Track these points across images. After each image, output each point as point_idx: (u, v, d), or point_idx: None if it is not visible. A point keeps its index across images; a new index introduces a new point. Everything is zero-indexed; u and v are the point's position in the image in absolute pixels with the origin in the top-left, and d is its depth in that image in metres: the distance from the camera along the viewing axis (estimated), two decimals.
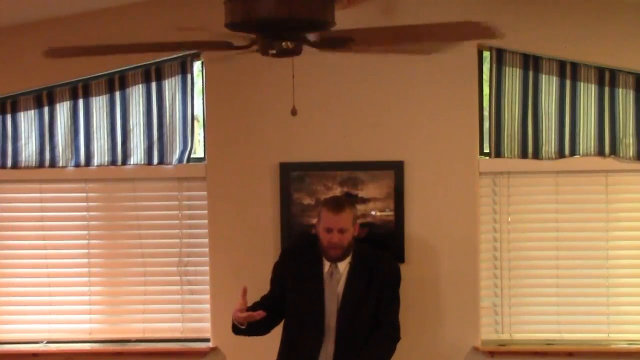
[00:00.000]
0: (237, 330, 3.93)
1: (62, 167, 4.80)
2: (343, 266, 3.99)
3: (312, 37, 3.12)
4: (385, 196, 4.64)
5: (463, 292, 4.68)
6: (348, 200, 4.19)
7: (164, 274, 4.87)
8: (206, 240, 4.78)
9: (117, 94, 4.76)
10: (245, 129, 4.71)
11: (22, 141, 4.79)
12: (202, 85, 4.77)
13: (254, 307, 3.95)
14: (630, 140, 4.62)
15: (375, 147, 4.67)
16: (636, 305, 4.77)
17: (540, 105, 4.65)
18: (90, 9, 4.56)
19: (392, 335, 3.99)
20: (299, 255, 4.11)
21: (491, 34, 2.85)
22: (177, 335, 4.88)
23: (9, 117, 4.79)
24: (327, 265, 3.99)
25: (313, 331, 3.94)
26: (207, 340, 4.81)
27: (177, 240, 4.86)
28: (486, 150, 4.75)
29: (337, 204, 3.96)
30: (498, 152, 4.67)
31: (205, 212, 4.77)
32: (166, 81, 4.74)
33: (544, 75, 4.64)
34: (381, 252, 4.22)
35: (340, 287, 3.97)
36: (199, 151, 4.88)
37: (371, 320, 3.96)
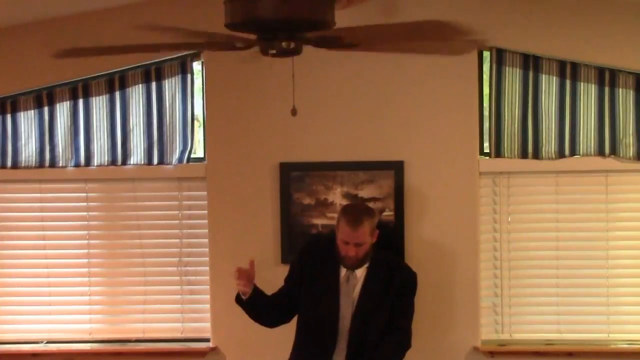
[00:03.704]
0: (239, 300, 3.95)
1: (62, 167, 4.80)
2: (360, 271, 3.96)
3: (313, 36, 3.12)
4: (385, 196, 4.64)
5: (463, 292, 4.69)
6: (367, 211, 3.99)
7: (164, 274, 4.87)
8: (206, 240, 4.78)
9: (117, 94, 4.76)
10: (245, 129, 4.71)
11: (22, 141, 4.79)
12: (202, 85, 4.77)
13: (264, 296, 4.00)
14: (630, 140, 4.62)
15: (375, 147, 4.67)
16: (636, 305, 4.77)
17: (540, 105, 4.65)
18: (90, 9, 4.56)
19: (403, 341, 3.97)
20: (317, 256, 4.07)
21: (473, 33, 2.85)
22: (177, 335, 4.88)
23: (9, 117, 4.79)
24: (344, 269, 3.97)
25: (327, 335, 3.92)
26: (207, 340, 4.81)
27: (177, 240, 4.86)
28: (486, 150, 4.75)
29: (356, 219, 3.86)
30: (498, 152, 4.67)
31: (205, 212, 4.77)
32: (166, 81, 4.74)
33: (544, 75, 4.64)
34: (399, 259, 4.21)
35: (356, 293, 3.95)
36: (199, 151, 4.88)
37: (385, 327, 3.93)
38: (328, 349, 3.91)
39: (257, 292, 3.95)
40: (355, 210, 3.99)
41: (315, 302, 3.98)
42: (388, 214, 4.64)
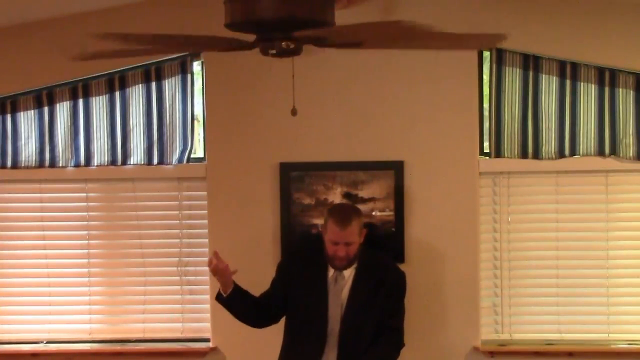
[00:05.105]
0: (219, 297, 3.92)
1: (62, 167, 4.80)
2: (348, 272, 3.96)
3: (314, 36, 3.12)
4: (385, 196, 4.64)
5: (463, 293, 4.68)
6: (355, 211, 4.02)
7: (164, 274, 4.87)
8: (206, 240, 4.78)
9: (117, 94, 4.76)
10: (245, 129, 4.71)
11: (22, 141, 4.79)
12: (202, 85, 4.77)
13: (247, 294, 3.99)
14: (630, 140, 4.62)
15: (375, 147, 4.67)
16: (636, 305, 4.77)
17: (540, 105, 4.65)
18: (90, 9, 4.56)
19: (396, 341, 3.97)
20: (304, 259, 4.07)
21: (499, 41, 2.86)
22: (177, 335, 4.88)
23: (9, 117, 4.79)
24: (332, 270, 3.96)
25: (315, 337, 3.92)
26: (207, 340, 4.81)
27: (177, 240, 4.86)
28: (486, 150, 4.75)
29: (344, 219, 3.86)
30: (498, 152, 4.68)
31: (205, 212, 4.77)
32: (166, 81, 4.74)
33: (544, 75, 4.64)
34: (387, 259, 4.19)
35: (345, 294, 3.94)
36: (199, 151, 4.88)
37: (375, 328, 3.93)
38: (317, 350, 3.91)
39: (237, 290, 3.91)
40: (343, 210, 4.01)
41: (303, 304, 3.97)
42: (388, 214, 4.64)
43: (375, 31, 2.97)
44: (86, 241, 4.89)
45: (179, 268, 4.86)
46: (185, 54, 4.68)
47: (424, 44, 3.25)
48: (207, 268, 4.73)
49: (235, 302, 3.93)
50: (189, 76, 4.73)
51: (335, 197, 4.63)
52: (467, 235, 4.68)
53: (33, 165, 4.80)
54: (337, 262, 3.92)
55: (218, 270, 3.83)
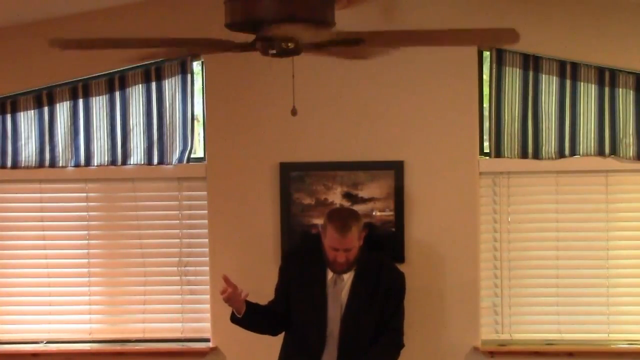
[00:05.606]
0: (234, 318, 3.90)
1: (62, 167, 4.80)
2: (347, 274, 3.95)
3: (312, 39, 3.12)
4: (385, 196, 4.64)
5: (463, 292, 4.68)
6: (354, 216, 3.94)
7: (164, 274, 4.87)
8: (206, 240, 4.78)
9: (117, 94, 4.76)
10: (245, 129, 4.71)
11: (22, 141, 4.79)
12: (202, 85, 4.77)
13: (259, 307, 3.97)
14: (630, 140, 4.62)
15: (375, 147, 4.67)
16: (636, 305, 4.77)
17: (540, 105, 4.65)
18: (90, 9, 4.56)
19: (396, 342, 3.96)
20: (303, 260, 4.05)
21: (514, 38, 2.85)
22: (177, 335, 4.88)
23: (8, 117, 4.79)
24: (330, 272, 3.96)
25: (315, 338, 3.91)
26: (207, 340, 4.82)
27: (177, 240, 4.86)
28: (486, 150, 4.75)
29: (344, 226, 3.81)
30: (498, 152, 4.68)
31: (205, 212, 4.77)
32: (166, 81, 4.74)
33: (544, 75, 4.64)
34: (386, 260, 4.17)
35: (344, 295, 3.93)
36: (199, 151, 4.88)
37: (375, 329, 3.92)
38: (317, 351, 3.90)
39: (250, 308, 3.88)
40: (342, 216, 3.94)
41: (302, 306, 3.96)
42: (388, 214, 4.64)
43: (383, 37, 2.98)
44: (86, 241, 4.89)
45: (179, 268, 4.86)
46: (185, 54, 4.68)
47: (436, 40, 3.26)
48: (207, 268, 4.77)
49: (251, 319, 3.91)
50: (189, 76, 4.73)
51: (335, 197, 4.63)
52: (467, 235, 4.68)
53: (33, 165, 4.79)
54: (337, 267, 3.90)
55: (231, 297, 3.78)
